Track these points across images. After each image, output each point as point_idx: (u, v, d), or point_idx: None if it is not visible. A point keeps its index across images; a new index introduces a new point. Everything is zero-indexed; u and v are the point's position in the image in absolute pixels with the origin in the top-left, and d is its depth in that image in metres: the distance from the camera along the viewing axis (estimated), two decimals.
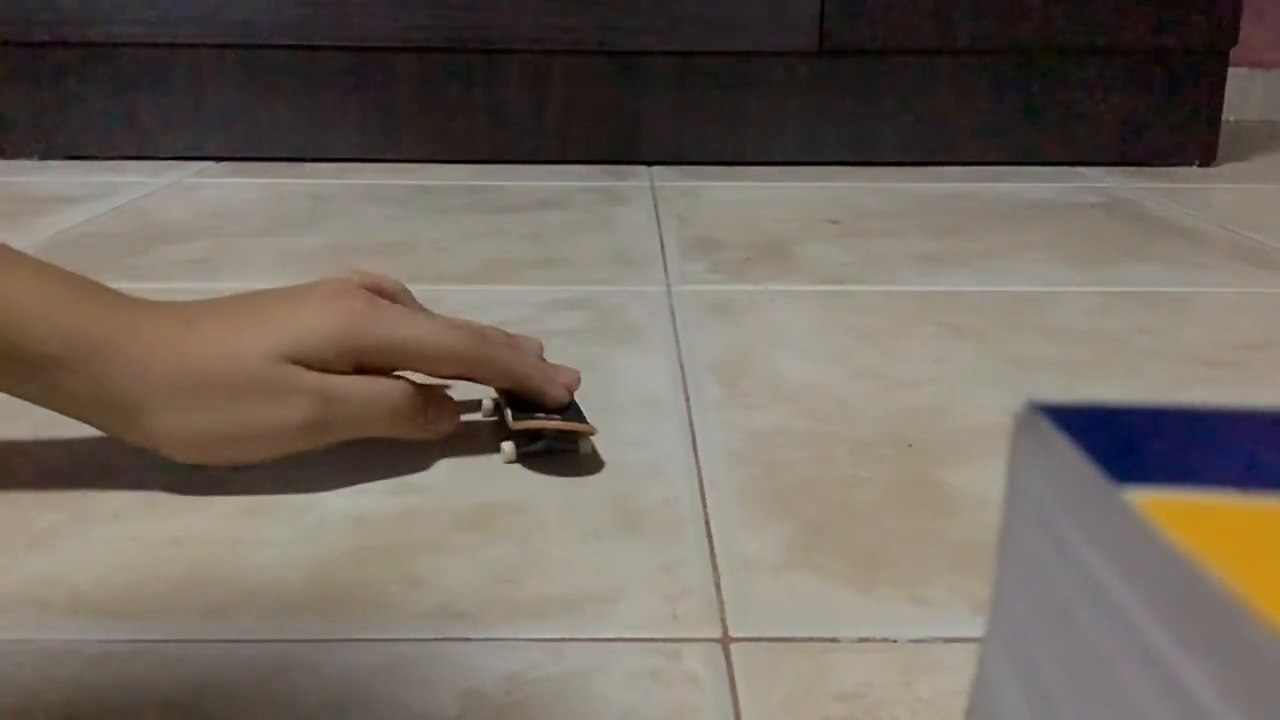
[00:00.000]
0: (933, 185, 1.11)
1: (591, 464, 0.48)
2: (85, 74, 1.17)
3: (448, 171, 1.15)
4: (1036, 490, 0.16)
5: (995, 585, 0.17)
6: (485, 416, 0.53)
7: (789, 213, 0.99)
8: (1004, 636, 0.17)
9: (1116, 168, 1.22)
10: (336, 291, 0.45)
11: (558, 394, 0.49)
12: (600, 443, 0.50)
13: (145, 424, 0.43)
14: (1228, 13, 1.17)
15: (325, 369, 0.44)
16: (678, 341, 0.65)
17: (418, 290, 0.53)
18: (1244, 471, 0.14)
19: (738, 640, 0.36)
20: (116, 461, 0.48)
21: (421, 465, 0.48)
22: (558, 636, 0.36)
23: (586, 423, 0.48)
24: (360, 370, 0.45)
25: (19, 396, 0.43)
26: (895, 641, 0.36)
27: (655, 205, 1.01)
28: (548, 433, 0.48)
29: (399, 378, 0.47)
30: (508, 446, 0.48)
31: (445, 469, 0.48)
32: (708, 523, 0.44)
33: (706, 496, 0.46)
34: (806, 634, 0.36)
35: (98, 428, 0.44)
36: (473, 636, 0.36)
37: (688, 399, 0.56)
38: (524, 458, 0.49)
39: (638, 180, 1.13)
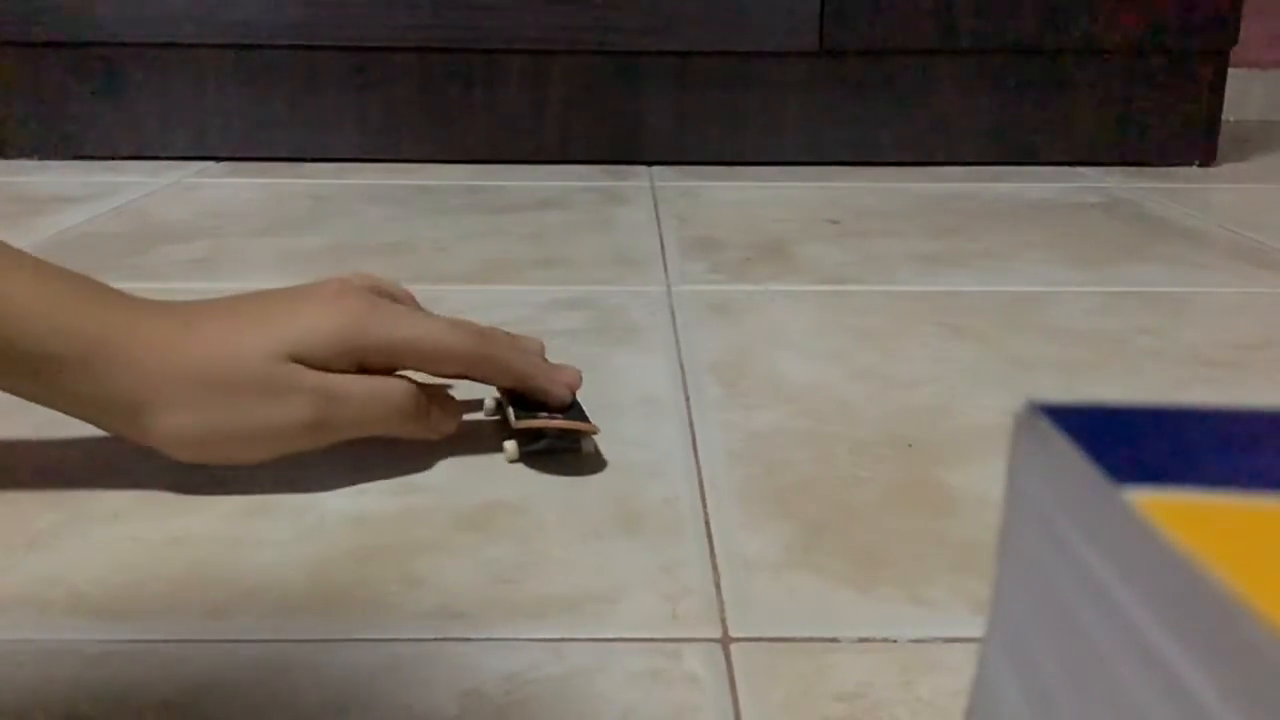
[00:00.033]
0: (933, 185, 1.11)
1: (594, 463, 0.48)
2: (85, 74, 1.17)
3: (448, 171, 1.16)
4: (1036, 490, 0.16)
5: (995, 585, 0.17)
6: (487, 416, 0.53)
7: (789, 213, 0.99)
8: (1004, 636, 0.17)
9: (1116, 168, 1.22)
10: (338, 291, 0.45)
11: (560, 393, 0.49)
12: (601, 442, 0.50)
13: (147, 423, 0.43)
14: (1228, 13, 1.17)
15: (327, 368, 0.44)
16: (678, 341, 0.65)
17: (418, 290, 0.53)
18: (1244, 471, 0.14)
19: (738, 640, 0.36)
20: (116, 461, 0.48)
21: (422, 465, 0.48)
22: (558, 636, 0.36)
23: (589, 422, 0.48)
24: (362, 370, 0.45)
25: (20, 396, 0.43)
26: (895, 641, 0.36)
27: (655, 205, 1.01)
28: (550, 432, 0.48)
29: (401, 377, 0.47)
30: (510, 445, 0.48)
31: (446, 469, 0.48)
32: (708, 523, 0.44)
33: (706, 496, 0.46)
34: (806, 634, 0.36)
35: (99, 427, 0.44)
36: (473, 636, 0.36)
37: (688, 399, 0.56)
38: (526, 457, 0.49)
39: (638, 180, 1.13)
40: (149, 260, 0.81)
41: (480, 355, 0.47)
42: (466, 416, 0.51)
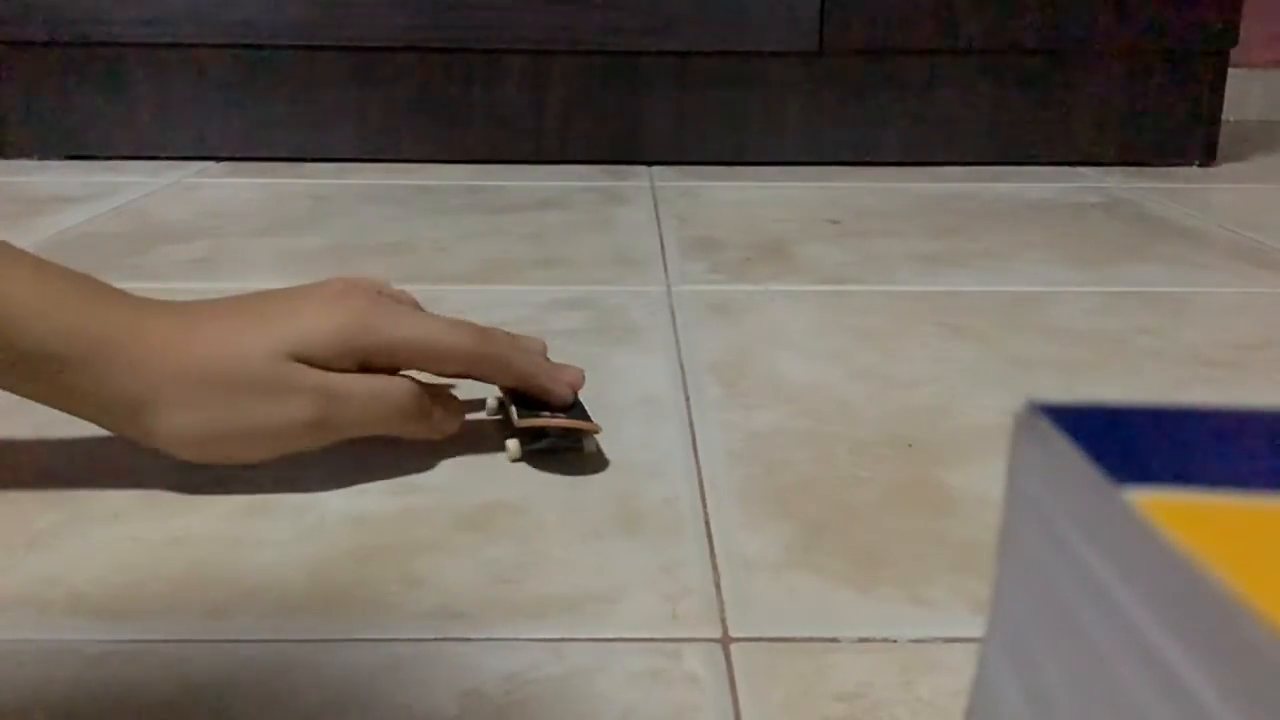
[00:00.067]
0: (933, 185, 1.11)
1: (596, 462, 0.49)
2: (85, 74, 1.17)
3: (448, 171, 1.16)
4: (1036, 490, 0.16)
5: (995, 585, 0.17)
6: (489, 415, 0.53)
7: (789, 213, 0.99)
8: (1004, 636, 0.17)
9: (1116, 168, 1.22)
10: (340, 291, 0.45)
11: (562, 392, 0.49)
12: (601, 442, 0.50)
13: (149, 422, 0.43)
14: (1228, 13, 1.17)
15: (329, 368, 0.44)
16: (678, 341, 0.65)
17: (418, 290, 0.53)
18: (1244, 471, 0.14)
19: (738, 640, 0.36)
20: (116, 461, 0.48)
21: (423, 465, 0.48)
22: (558, 636, 0.36)
23: (591, 421, 0.48)
24: (365, 369, 0.45)
25: (22, 395, 0.43)
26: (895, 641, 0.36)
27: (655, 205, 1.01)
28: (552, 431, 0.48)
29: (403, 377, 0.47)
30: (513, 444, 0.48)
31: (446, 468, 0.48)
32: (708, 523, 0.44)
33: (706, 496, 0.46)
34: (806, 634, 0.36)
35: (101, 426, 0.44)
36: (473, 636, 0.36)
37: (688, 399, 0.56)
38: (529, 456, 0.49)
39: (638, 180, 1.13)
40: (149, 260, 0.81)
41: (482, 354, 0.47)
42: (468, 416, 0.51)
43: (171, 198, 1.02)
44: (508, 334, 0.51)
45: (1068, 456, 0.15)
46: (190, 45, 1.16)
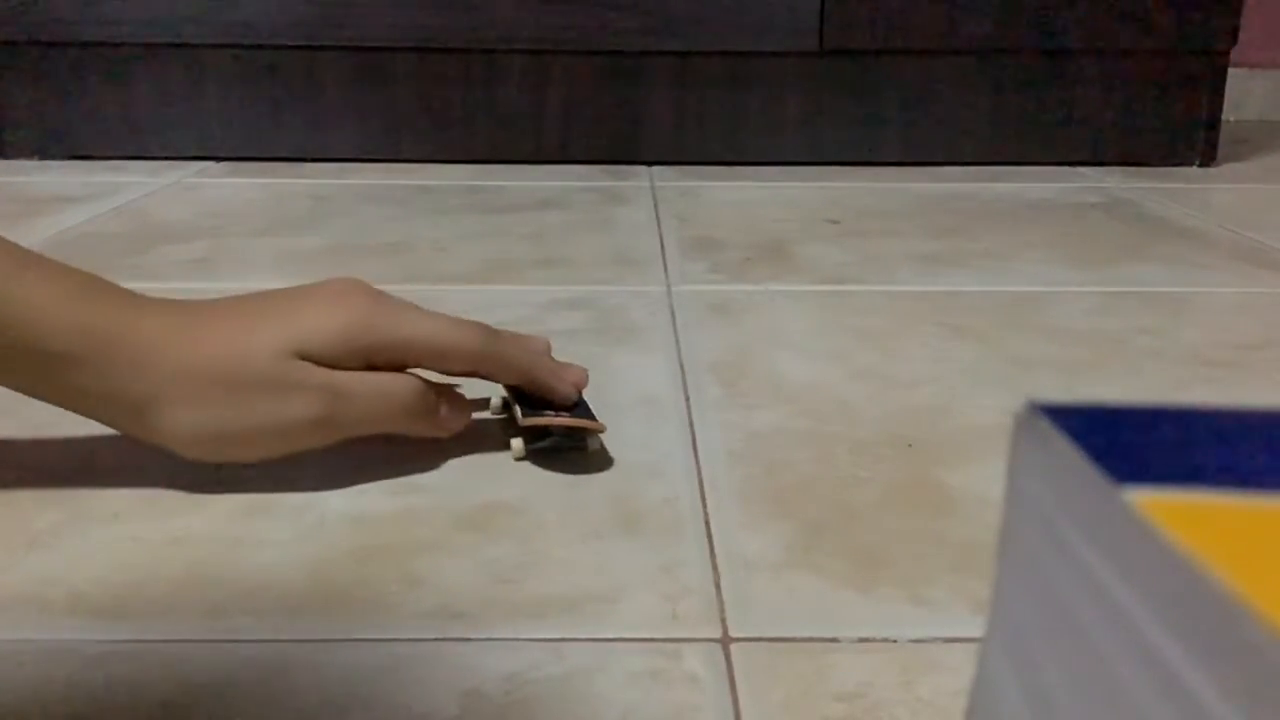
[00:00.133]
0: (933, 185, 1.11)
1: (600, 461, 0.49)
2: (85, 74, 1.17)
3: (448, 171, 1.16)
4: (1036, 490, 0.16)
5: (995, 585, 0.17)
6: (494, 414, 0.53)
7: (789, 213, 0.99)
8: (1004, 636, 0.17)
9: (1116, 168, 1.22)
10: (345, 289, 0.45)
11: (566, 391, 0.49)
12: (604, 441, 0.50)
13: (155, 421, 0.43)
14: (1228, 13, 1.17)
15: (334, 366, 0.44)
16: (678, 341, 0.65)
17: (418, 290, 0.53)
18: (1244, 471, 0.14)
19: (738, 640, 0.36)
20: (116, 461, 0.48)
21: (423, 464, 0.48)
22: (558, 636, 0.36)
23: (595, 420, 0.48)
24: (370, 367, 0.45)
25: (29, 394, 0.43)
26: (895, 641, 0.36)
27: (655, 205, 1.01)
28: (556, 429, 0.48)
29: (409, 374, 0.47)
30: (517, 443, 0.49)
31: (446, 468, 0.48)
32: (708, 523, 0.44)
33: (706, 496, 0.46)
34: (806, 634, 0.36)
35: (107, 424, 0.44)
36: (473, 636, 0.36)
37: (688, 399, 0.56)
38: (533, 454, 0.49)
39: (638, 180, 1.13)
40: (149, 260, 0.81)
41: (487, 352, 0.47)
42: (473, 415, 0.51)
43: (171, 198, 1.02)
44: (512, 333, 0.51)
45: (1068, 456, 0.15)
46: (190, 45, 1.16)
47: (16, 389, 0.43)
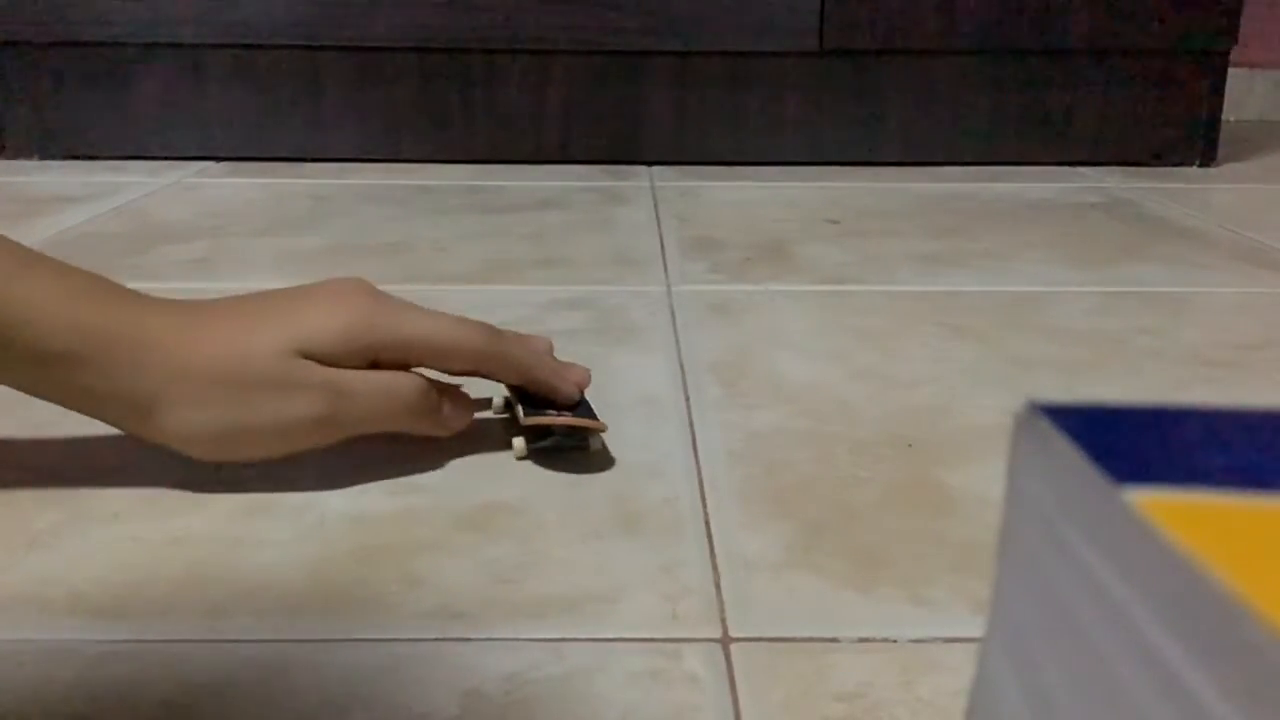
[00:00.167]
0: (933, 185, 1.11)
1: (601, 460, 0.49)
2: (85, 74, 1.17)
3: (448, 171, 1.15)
4: (1036, 490, 0.16)
5: (995, 585, 0.17)
6: (496, 414, 0.53)
7: (789, 213, 0.99)
8: (1004, 636, 0.17)
9: (1116, 168, 1.22)
10: (346, 288, 0.46)
11: (568, 390, 0.49)
12: (605, 440, 0.50)
13: (159, 420, 0.43)
14: (1228, 13, 1.17)
15: (337, 365, 0.44)
16: (678, 341, 0.65)
17: (418, 290, 0.53)
18: (1244, 471, 0.14)
19: (738, 640, 0.36)
20: (116, 461, 0.48)
21: (423, 464, 0.48)
22: (558, 636, 0.36)
23: (597, 419, 0.48)
24: (372, 366, 0.45)
25: (31, 393, 0.43)
26: (895, 641, 0.36)
27: (655, 205, 1.01)
28: (558, 429, 0.48)
29: (411, 373, 0.47)
30: (518, 442, 0.49)
31: (447, 468, 0.48)
32: (708, 523, 0.44)
33: (706, 496, 0.46)
34: (806, 634, 0.36)
35: (111, 424, 0.44)
36: (473, 636, 0.36)
37: (688, 399, 0.56)
38: (534, 454, 0.49)
39: (638, 180, 1.13)
40: (149, 260, 0.81)
41: (489, 352, 0.47)
42: (475, 415, 0.51)
43: (171, 198, 1.02)
44: (515, 333, 0.51)
45: (1068, 456, 0.15)
46: (190, 45, 1.15)
47: (18, 388, 0.43)
